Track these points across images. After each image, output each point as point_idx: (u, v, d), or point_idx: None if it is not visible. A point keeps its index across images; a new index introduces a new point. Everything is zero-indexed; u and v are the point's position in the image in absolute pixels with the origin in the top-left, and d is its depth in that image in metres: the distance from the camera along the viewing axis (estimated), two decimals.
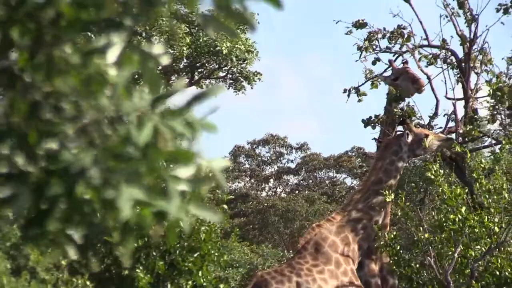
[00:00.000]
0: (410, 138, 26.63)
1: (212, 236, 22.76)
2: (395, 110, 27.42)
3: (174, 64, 37.86)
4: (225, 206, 23.72)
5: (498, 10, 27.53)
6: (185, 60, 38.37)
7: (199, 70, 39.41)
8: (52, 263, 21.98)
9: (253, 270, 30.04)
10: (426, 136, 26.11)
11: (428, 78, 27.91)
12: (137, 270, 22.40)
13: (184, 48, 36.84)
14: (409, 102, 27.71)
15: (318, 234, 25.87)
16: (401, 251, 22.30)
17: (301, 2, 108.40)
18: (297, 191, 61.50)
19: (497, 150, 24.70)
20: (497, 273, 21.05)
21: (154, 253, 22.52)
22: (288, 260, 26.97)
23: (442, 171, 22.62)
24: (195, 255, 22.55)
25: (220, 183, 4.88)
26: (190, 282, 22.56)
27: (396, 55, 28.37)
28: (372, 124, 28.39)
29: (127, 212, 4.72)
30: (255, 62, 39.12)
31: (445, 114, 27.79)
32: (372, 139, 28.32)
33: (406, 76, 27.34)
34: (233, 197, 31.01)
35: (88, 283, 21.69)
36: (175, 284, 22.57)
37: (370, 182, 26.04)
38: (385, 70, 28.23)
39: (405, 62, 28.03)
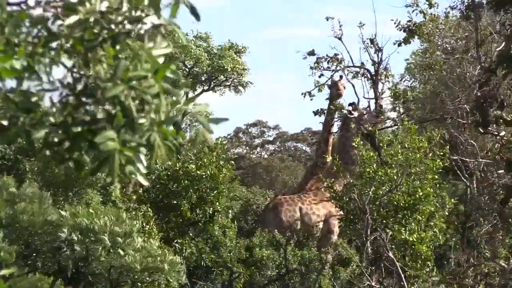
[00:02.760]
0: (356, 114, 27.06)
1: (224, 180, 22.79)
2: (331, 106, 27.77)
3: (199, 77, 38.07)
4: (232, 162, 23.72)
5: (395, 44, 27.61)
6: (205, 75, 38.49)
7: (214, 81, 39.49)
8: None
9: (248, 201, 30.00)
10: (364, 114, 26.75)
11: (353, 85, 28.04)
12: (183, 201, 22.38)
13: (205, 68, 37.11)
14: (339, 101, 28.02)
15: (317, 181, 26.22)
16: (339, 193, 22.24)
17: (276, 41, 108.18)
18: (273, 154, 61.45)
19: (395, 129, 24.81)
20: (395, 203, 21.02)
21: (191, 190, 22.48)
22: (299, 194, 27.18)
23: (362, 142, 22.70)
24: (215, 192, 22.52)
25: (204, 126, 4.01)
26: (212, 208, 22.59)
27: (334, 72, 28.44)
28: (319, 114, 28.51)
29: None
30: (248, 75, 39.25)
31: (363, 108, 27.91)
32: (319, 122, 28.63)
33: (334, 88, 27.83)
34: (236, 156, 31.36)
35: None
36: (202, 209, 22.60)
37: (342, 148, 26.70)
38: (327, 81, 28.35)
39: (341, 77, 28.19)
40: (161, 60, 4.01)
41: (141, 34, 3.99)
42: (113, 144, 3.87)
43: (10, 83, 3.97)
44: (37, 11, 4.04)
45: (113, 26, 3.98)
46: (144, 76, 3.91)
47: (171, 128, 4.01)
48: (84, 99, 3.95)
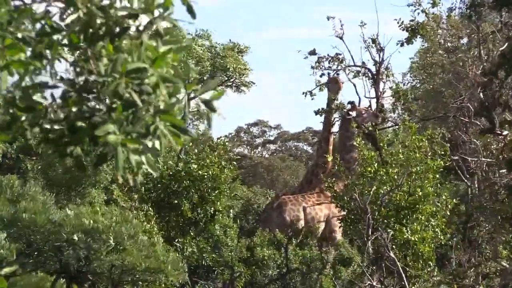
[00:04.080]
0: (354, 114, 27.18)
1: (226, 180, 22.79)
2: (332, 105, 27.92)
3: (200, 76, 38.05)
4: (234, 163, 23.69)
5: (397, 44, 27.69)
6: (207, 75, 38.51)
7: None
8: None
9: (249, 201, 30.03)
10: (363, 113, 26.95)
11: (354, 85, 28.14)
12: (184, 200, 22.36)
13: (208, 68, 37.20)
14: (341, 101, 28.16)
15: (321, 181, 26.28)
16: (340, 193, 22.22)
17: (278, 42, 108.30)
18: (275, 154, 61.52)
19: (396, 128, 24.86)
20: (396, 203, 20.99)
21: (192, 190, 22.47)
22: (303, 194, 27.22)
23: (363, 141, 22.71)
24: (216, 192, 22.51)
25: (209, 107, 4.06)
26: (213, 208, 22.56)
27: (334, 71, 28.52)
28: (320, 114, 28.59)
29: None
30: (250, 75, 39.27)
31: (364, 107, 28.01)
32: (320, 122, 28.73)
33: (333, 82, 27.93)
34: (239, 157, 31.45)
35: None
36: (203, 209, 22.61)
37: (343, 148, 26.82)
38: (327, 80, 28.42)
39: (337, 74, 28.34)
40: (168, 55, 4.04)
41: (139, 30, 4.03)
42: (113, 137, 3.92)
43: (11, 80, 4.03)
44: (41, 6, 4.11)
45: (111, 22, 4.03)
46: (142, 67, 3.95)
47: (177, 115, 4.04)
48: (85, 94, 4.00)
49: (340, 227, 23.82)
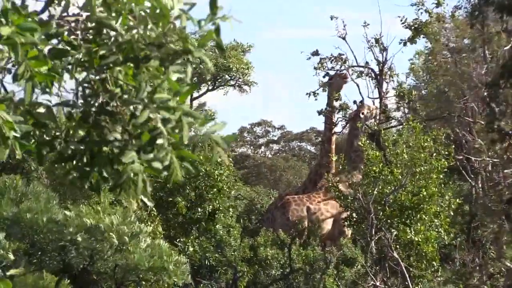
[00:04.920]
0: (365, 111, 27.24)
1: (223, 177, 22.77)
2: (334, 105, 27.94)
3: (203, 76, 38.01)
4: (231, 159, 23.50)
5: (400, 43, 27.71)
6: (210, 75, 38.50)
7: (219, 80, 39.47)
8: None
9: (252, 201, 29.98)
10: (372, 110, 27.09)
11: (357, 85, 28.13)
12: (178, 198, 22.35)
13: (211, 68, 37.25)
14: (344, 101, 28.15)
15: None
16: (346, 192, 22.22)
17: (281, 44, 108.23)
18: (278, 154, 61.48)
19: (400, 128, 24.86)
20: (400, 203, 21.01)
21: (188, 188, 22.40)
22: (308, 194, 27.22)
23: (368, 141, 22.72)
24: (214, 190, 22.50)
25: (220, 146, 4.15)
26: (211, 207, 22.54)
27: (338, 72, 28.51)
28: (324, 114, 28.60)
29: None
30: (253, 74, 39.27)
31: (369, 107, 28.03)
32: (322, 122, 28.80)
33: (336, 77, 27.91)
34: (235, 153, 31.38)
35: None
36: (202, 207, 22.56)
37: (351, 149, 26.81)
38: (328, 80, 28.42)
39: (336, 71, 28.38)
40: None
41: (163, 58, 4.06)
42: (138, 166, 4.01)
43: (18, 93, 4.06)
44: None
45: (136, 48, 4.05)
46: (167, 99, 4.02)
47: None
48: (102, 117, 4.06)
49: (344, 226, 23.83)
